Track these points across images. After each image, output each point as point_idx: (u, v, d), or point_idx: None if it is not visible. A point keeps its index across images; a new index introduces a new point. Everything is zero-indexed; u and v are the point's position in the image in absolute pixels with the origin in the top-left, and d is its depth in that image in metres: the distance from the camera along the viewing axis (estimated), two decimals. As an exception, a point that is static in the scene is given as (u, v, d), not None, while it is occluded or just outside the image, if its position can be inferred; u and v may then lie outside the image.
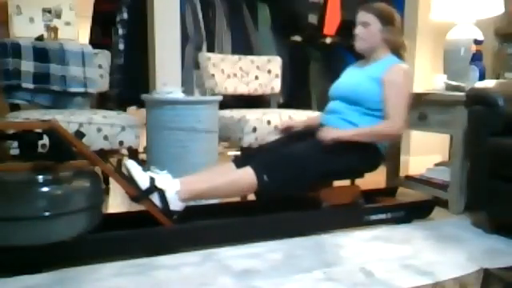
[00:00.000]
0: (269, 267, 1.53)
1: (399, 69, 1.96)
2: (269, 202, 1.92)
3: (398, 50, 2.04)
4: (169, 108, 2.22)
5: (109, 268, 1.50)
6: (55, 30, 4.79)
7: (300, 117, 2.58)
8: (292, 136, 2.05)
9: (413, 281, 1.44)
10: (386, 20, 1.99)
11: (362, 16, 2.02)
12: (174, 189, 1.67)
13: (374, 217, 1.96)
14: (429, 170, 2.50)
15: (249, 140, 2.42)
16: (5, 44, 2.59)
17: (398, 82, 1.92)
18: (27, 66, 2.61)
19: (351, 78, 2.06)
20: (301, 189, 1.88)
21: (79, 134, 1.61)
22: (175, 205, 1.67)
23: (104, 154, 2.24)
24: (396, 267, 1.54)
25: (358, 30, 2.03)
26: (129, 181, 1.64)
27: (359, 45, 2.04)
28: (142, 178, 1.65)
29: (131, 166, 1.67)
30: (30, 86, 2.62)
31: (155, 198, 1.65)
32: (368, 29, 2.00)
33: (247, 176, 1.75)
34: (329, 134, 1.85)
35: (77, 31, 5.86)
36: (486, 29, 2.68)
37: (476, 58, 2.36)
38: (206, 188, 1.73)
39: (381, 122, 1.92)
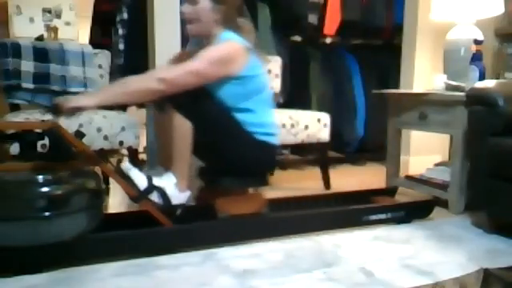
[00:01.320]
0: (269, 267, 1.53)
1: (226, 42, 1.70)
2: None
3: (235, 30, 1.77)
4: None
5: (109, 268, 1.50)
6: (55, 29, 4.78)
7: (300, 117, 2.58)
8: None
9: (413, 281, 1.44)
10: None
11: None
12: (172, 182, 1.67)
13: (374, 217, 1.96)
14: (429, 170, 2.50)
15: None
16: (5, 44, 2.59)
17: (212, 48, 1.68)
18: (27, 66, 2.61)
19: None
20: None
21: (79, 134, 1.61)
22: (177, 198, 1.67)
23: (104, 154, 2.24)
24: (396, 267, 1.54)
25: (186, 9, 1.77)
26: (128, 182, 1.64)
27: (191, 27, 1.78)
28: (140, 179, 1.65)
29: (127, 168, 1.67)
30: (30, 85, 2.61)
31: (155, 196, 1.65)
32: (197, 7, 1.74)
33: (183, 122, 1.64)
34: (70, 102, 1.55)
35: (77, 31, 5.86)
36: (486, 29, 2.69)
37: (476, 58, 2.36)
38: (187, 164, 1.68)
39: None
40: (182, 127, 1.65)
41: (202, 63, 1.65)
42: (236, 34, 1.75)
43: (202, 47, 1.75)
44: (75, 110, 1.56)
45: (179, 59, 1.85)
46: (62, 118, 1.60)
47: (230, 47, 1.69)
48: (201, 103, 1.67)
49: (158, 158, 1.79)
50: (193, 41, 3.10)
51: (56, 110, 1.57)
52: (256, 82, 1.77)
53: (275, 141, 1.83)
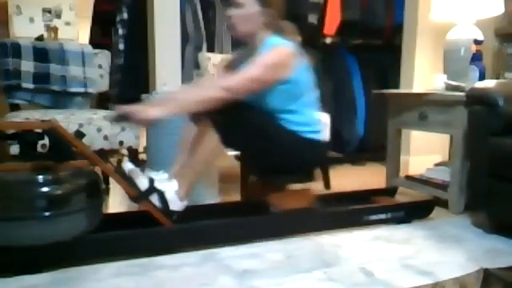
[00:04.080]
0: (269, 267, 1.53)
1: (278, 48, 1.73)
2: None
3: (280, 33, 1.81)
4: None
5: (109, 268, 1.50)
6: (55, 29, 4.78)
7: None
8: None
9: (413, 281, 1.44)
10: (263, 1, 1.76)
11: None
12: (173, 189, 1.68)
13: (374, 217, 1.96)
14: (429, 170, 2.50)
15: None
16: (5, 44, 2.59)
17: (265, 54, 1.71)
18: (27, 66, 2.61)
19: None
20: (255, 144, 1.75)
21: (79, 134, 1.61)
22: (175, 204, 1.68)
23: (104, 154, 2.24)
24: (396, 267, 1.54)
25: (232, 12, 1.77)
26: (128, 183, 1.64)
27: (235, 29, 1.80)
28: (141, 180, 1.65)
29: (129, 168, 1.67)
30: (30, 85, 2.62)
31: (155, 198, 1.65)
32: (243, 10, 1.76)
33: (214, 144, 1.68)
34: (145, 113, 1.56)
35: (77, 31, 5.85)
36: (486, 29, 2.69)
37: (476, 58, 2.36)
38: (195, 178, 1.73)
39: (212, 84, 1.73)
40: (211, 143, 1.69)
41: (259, 69, 1.69)
42: (282, 37, 1.79)
43: (249, 51, 1.82)
44: (148, 122, 1.58)
45: (231, 65, 1.91)
46: (129, 126, 1.57)
47: (282, 52, 1.72)
48: (240, 115, 1.70)
49: (174, 164, 1.80)
50: (193, 41, 3.10)
51: (125, 119, 1.58)
52: (304, 84, 1.82)
53: (321, 137, 1.87)
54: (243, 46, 1.93)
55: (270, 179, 1.90)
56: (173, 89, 2.38)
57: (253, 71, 1.69)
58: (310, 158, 1.87)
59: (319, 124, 1.89)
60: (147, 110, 1.58)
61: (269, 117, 1.78)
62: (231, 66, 1.90)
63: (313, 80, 1.88)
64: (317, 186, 2.16)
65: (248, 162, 1.85)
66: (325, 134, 1.94)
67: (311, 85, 1.87)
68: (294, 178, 1.91)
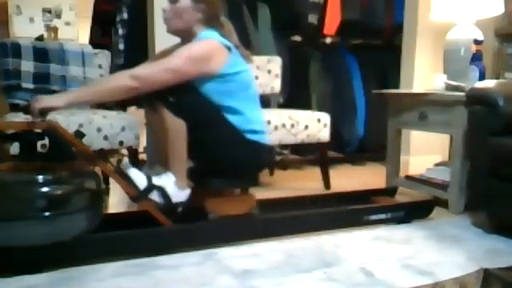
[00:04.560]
0: (269, 267, 1.53)
1: (202, 40, 1.68)
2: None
3: (214, 27, 1.76)
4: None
5: (109, 268, 1.50)
6: (55, 29, 4.79)
7: (299, 116, 2.58)
8: None
9: (413, 281, 1.44)
10: None
11: None
12: (171, 181, 1.67)
13: (374, 217, 1.95)
14: (429, 170, 2.50)
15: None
16: (5, 44, 2.59)
17: (187, 46, 1.66)
18: (27, 66, 2.61)
19: None
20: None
21: (79, 134, 1.61)
22: (177, 196, 1.67)
23: (104, 154, 2.24)
24: (396, 267, 1.54)
25: (165, 6, 1.74)
26: (128, 182, 1.64)
27: (168, 26, 1.76)
28: (140, 178, 1.65)
29: (127, 168, 1.67)
30: (30, 86, 2.62)
31: (155, 195, 1.65)
32: (176, 5, 1.72)
33: (176, 120, 1.63)
34: (40, 102, 1.52)
35: (77, 31, 5.86)
36: (486, 29, 2.68)
37: (476, 58, 2.36)
38: (184, 159, 1.67)
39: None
40: (175, 125, 1.63)
41: (179, 60, 1.62)
42: (216, 32, 1.73)
43: (182, 45, 1.74)
44: (45, 111, 1.53)
45: (161, 57, 1.80)
46: (34, 118, 1.54)
47: (207, 45, 1.67)
48: (189, 99, 1.65)
49: (158, 157, 1.78)
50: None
51: (27, 111, 1.55)
52: (239, 80, 1.74)
53: (264, 140, 1.80)
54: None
55: (208, 183, 1.80)
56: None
57: (171, 61, 1.62)
58: (247, 160, 1.76)
59: (261, 124, 1.81)
60: (49, 98, 1.54)
61: (215, 109, 1.69)
62: (163, 58, 1.77)
63: (250, 77, 1.81)
64: (317, 186, 2.17)
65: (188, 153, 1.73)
66: (268, 136, 1.84)
67: (248, 82, 1.79)
68: (231, 182, 1.82)
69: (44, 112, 1.53)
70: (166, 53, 1.83)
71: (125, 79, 1.58)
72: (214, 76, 1.68)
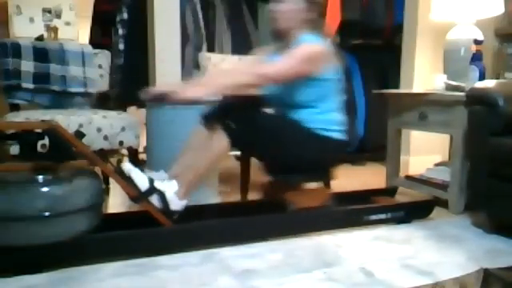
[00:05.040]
0: (269, 267, 1.53)
1: (309, 44, 1.76)
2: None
3: (316, 29, 1.85)
4: (169, 108, 2.22)
5: (109, 268, 1.50)
6: (55, 29, 4.79)
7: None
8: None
9: (413, 281, 1.44)
10: None
11: None
12: (173, 189, 1.68)
13: (374, 217, 1.96)
14: (429, 170, 2.50)
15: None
16: (5, 44, 2.59)
17: (298, 48, 1.74)
18: (27, 66, 2.61)
19: None
20: (266, 145, 1.77)
21: (79, 134, 1.61)
22: (175, 204, 1.67)
23: (104, 154, 2.24)
24: (396, 267, 1.54)
25: (276, 6, 1.83)
26: (128, 183, 1.64)
27: (277, 24, 1.84)
28: (141, 180, 1.65)
29: (129, 168, 1.67)
30: (30, 85, 2.62)
31: (155, 199, 1.65)
32: (288, 5, 1.81)
33: (222, 144, 1.70)
34: (184, 92, 1.60)
35: (77, 31, 5.86)
36: (486, 29, 2.69)
37: (476, 58, 2.36)
38: (196, 179, 1.73)
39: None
40: (219, 148, 1.71)
41: (294, 60, 1.72)
42: (317, 35, 1.83)
43: (283, 44, 1.86)
44: (187, 101, 1.60)
45: (265, 56, 1.97)
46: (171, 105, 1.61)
47: (316, 48, 1.76)
48: (254, 118, 1.74)
49: (175, 163, 1.81)
50: (193, 41, 3.10)
51: (161, 100, 1.61)
52: (331, 85, 1.86)
53: (340, 137, 1.89)
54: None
55: (288, 178, 1.92)
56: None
57: (288, 62, 1.72)
58: (328, 156, 1.90)
59: (340, 124, 1.92)
60: (186, 89, 1.61)
61: (284, 115, 1.79)
62: (265, 57, 1.95)
63: (341, 83, 1.92)
64: (317, 186, 2.17)
65: (264, 162, 1.87)
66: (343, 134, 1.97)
67: (338, 87, 1.91)
68: (311, 176, 1.96)
69: (187, 102, 1.59)
70: (265, 53, 1.99)
71: (254, 77, 1.70)
72: (313, 78, 1.77)
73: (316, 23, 1.86)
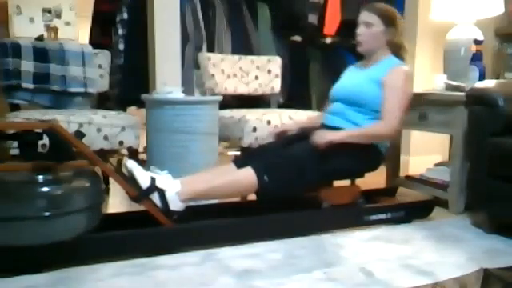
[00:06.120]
0: (269, 267, 1.53)
1: (400, 71, 1.96)
2: (269, 202, 1.92)
3: (398, 52, 2.04)
4: (169, 108, 2.22)
5: (109, 268, 1.50)
6: (55, 29, 4.78)
7: (300, 117, 2.58)
8: (291, 138, 2.04)
9: (413, 281, 1.44)
10: (389, 21, 1.99)
11: (366, 16, 2.00)
12: (175, 189, 1.68)
13: (374, 217, 1.96)
14: (429, 170, 2.50)
15: (249, 140, 2.42)
16: (5, 44, 2.59)
17: (397, 83, 1.92)
18: (27, 66, 2.61)
19: (353, 80, 2.06)
20: (300, 189, 1.89)
21: (79, 134, 1.61)
22: (175, 205, 1.67)
23: (104, 154, 2.24)
24: (396, 267, 1.54)
25: (361, 31, 2.02)
26: (130, 180, 1.64)
27: (362, 46, 2.04)
28: (143, 178, 1.66)
29: (132, 165, 1.67)
30: (30, 85, 2.62)
31: (155, 197, 1.65)
32: (371, 30, 1.99)
33: (248, 176, 1.75)
34: (323, 137, 1.84)
35: (77, 31, 5.86)
36: (486, 29, 2.68)
37: (476, 58, 2.36)
38: (206, 188, 1.73)
39: (375, 122, 1.92)
40: (245, 178, 1.77)
41: (403, 101, 1.92)
42: (399, 56, 2.03)
43: (366, 63, 2.06)
44: (325, 144, 1.81)
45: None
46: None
47: (406, 75, 1.96)
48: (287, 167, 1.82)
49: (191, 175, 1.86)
50: (193, 41, 3.10)
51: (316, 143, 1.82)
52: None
53: (384, 148, 2.01)
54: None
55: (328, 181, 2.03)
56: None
57: (401, 103, 1.91)
58: (370, 163, 2.00)
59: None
60: (329, 134, 1.86)
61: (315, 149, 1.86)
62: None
63: None
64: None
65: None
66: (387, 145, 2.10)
67: None
68: (349, 177, 2.08)
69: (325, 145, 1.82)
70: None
71: (388, 131, 1.90)
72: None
73: (397, 44, 2.03)
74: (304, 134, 1.99)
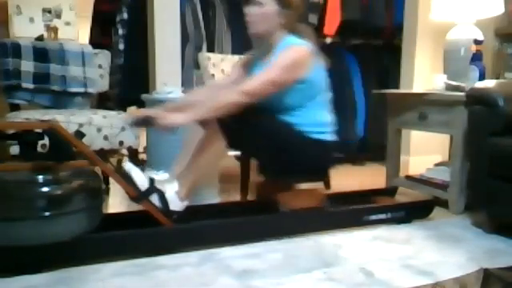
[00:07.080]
0: (269, 267, 1.53)
1: (294, 48, 1.73)
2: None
3: (296, 34, 1.81)
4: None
5: (109, 268, 1.50)
6: (55, 30, 4.78)
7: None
8: None
9: (413, 281, 1.44)
10: (285, 2, 1.76)
11: None
12: (173, 189, 1.68)
13: (374, 217, 1.96)
14: (429, 170, 2.50)
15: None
16: (5, 44, 2.59)
17: (281, 56, 1.71)
18: (27, 66, 2.61)
19: None
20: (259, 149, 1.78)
21: (79, 134, 1.61)
22: (175, 205, 1.68)
23: (104, 154, 2.24)
24: (396, 267, 1.54)
25: (251, 10, 1.78)
26: (128, 182, 1.64)
27: (251, 27, 1.80)
28: (142, 180, 1.65)
29: (130, 168, 1.67)
30: (30, 85, 2.62)
31: (155, 198, 1.65)
32: (262, 9, 1.76)
33: (219, 144, 1.70)
34: (164, 119, 1.62)
35: (77, 31, 5.86)
36: (486, 29, 2.69)
37: (476, 58, 2.36)
38: (197, 180, 1.74)
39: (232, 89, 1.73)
40: (217, 148, 1.71)
41: (277, 71, 1.70)
42: (299, 37, 1.79)
43: (265, 50, 1.83)
44: (170, 128, 1.62)
45: (247, 65, 1.94)
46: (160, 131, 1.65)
47: (298, 51, 1.73)
48: (249, 119, 1.70)
49: (175, 163, 1.82)
50: (193, 41, 3.10)
51: (147, 123, 1.64)
52: (318, 85, 1.83)
53: (330, 138, 1.86)
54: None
55: (281, 179, 1.92)
56: (180, 91, 2.39)
57: (271, 73, 1.70)
58: (319, 158, 1.87)
59: (330, 125, 1.89)
60: (170, 115, 1.62)
61: (279, 119, 1.78)
62: (247, 66, 1.93)
63: (326, 81, 1.88)
64: (317, 186, 2.18)
65: (258, 163, 1.86)
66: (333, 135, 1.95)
67: (324, 86, 1.88)
68: (304, 177, 1.93)
69: (167, 129, 1.63)
70: (247, 62, 1.95)
71: (238, 96, 1.66)
72: (300, 81, 1.74)
73: (294, 27, 1.82)
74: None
